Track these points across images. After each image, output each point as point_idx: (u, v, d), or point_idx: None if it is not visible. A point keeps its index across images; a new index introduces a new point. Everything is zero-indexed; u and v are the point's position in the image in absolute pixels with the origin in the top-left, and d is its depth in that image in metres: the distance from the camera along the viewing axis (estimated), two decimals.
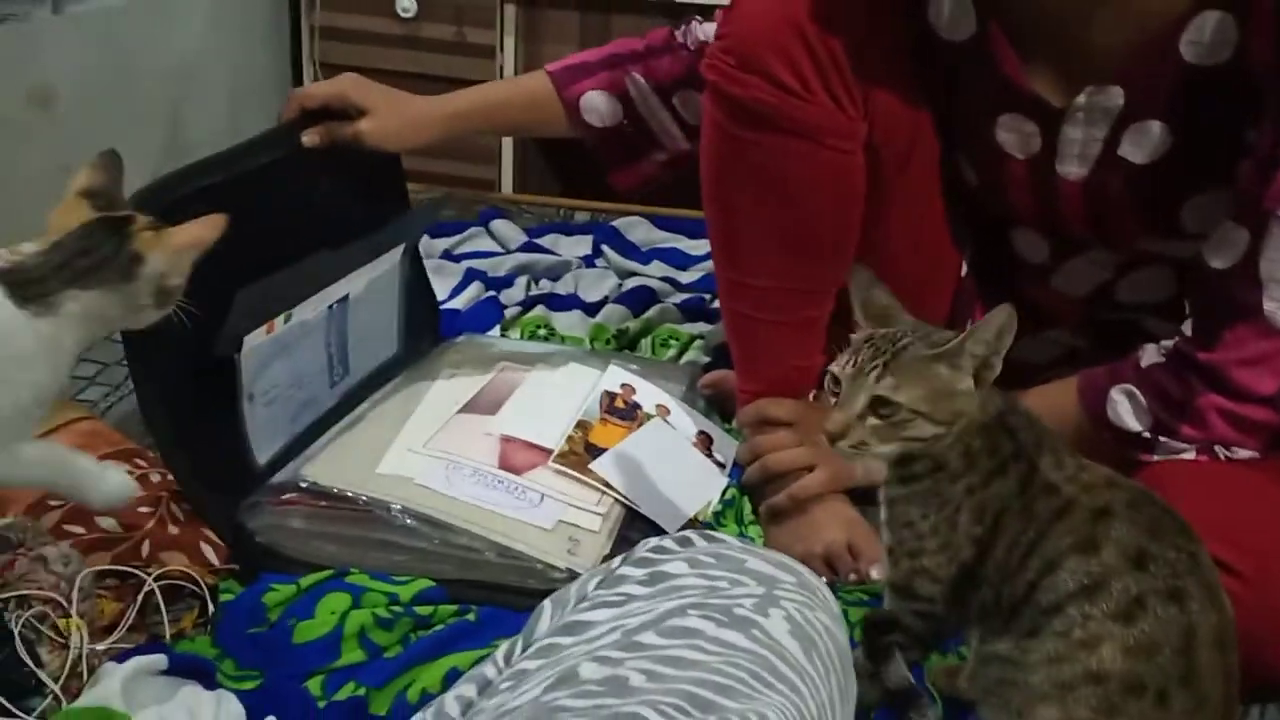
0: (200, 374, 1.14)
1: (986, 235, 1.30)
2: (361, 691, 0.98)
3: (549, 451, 1.21)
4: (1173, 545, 0.84)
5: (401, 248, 1.43)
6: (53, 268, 0.92)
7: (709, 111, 1.18)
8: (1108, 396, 1.08)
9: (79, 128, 2.03)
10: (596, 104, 1.36)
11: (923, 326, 0.92)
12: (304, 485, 1.13)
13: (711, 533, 0.84)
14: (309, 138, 1.31)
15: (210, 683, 0.98)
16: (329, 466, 1.16)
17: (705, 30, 1.32)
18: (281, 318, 1.21)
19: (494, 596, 1.10)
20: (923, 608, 0.92)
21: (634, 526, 1.17)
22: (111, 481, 0.99)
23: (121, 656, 0.97)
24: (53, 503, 1.12)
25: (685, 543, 0.81)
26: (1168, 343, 1.06)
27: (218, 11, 2.38)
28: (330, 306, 1.30)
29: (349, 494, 1.11)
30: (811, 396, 1.29)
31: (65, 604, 0.98)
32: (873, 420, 0.87)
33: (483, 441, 1.21)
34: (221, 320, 1.11)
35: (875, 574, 1.18)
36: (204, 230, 0.97)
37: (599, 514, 1.16)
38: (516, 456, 1.20)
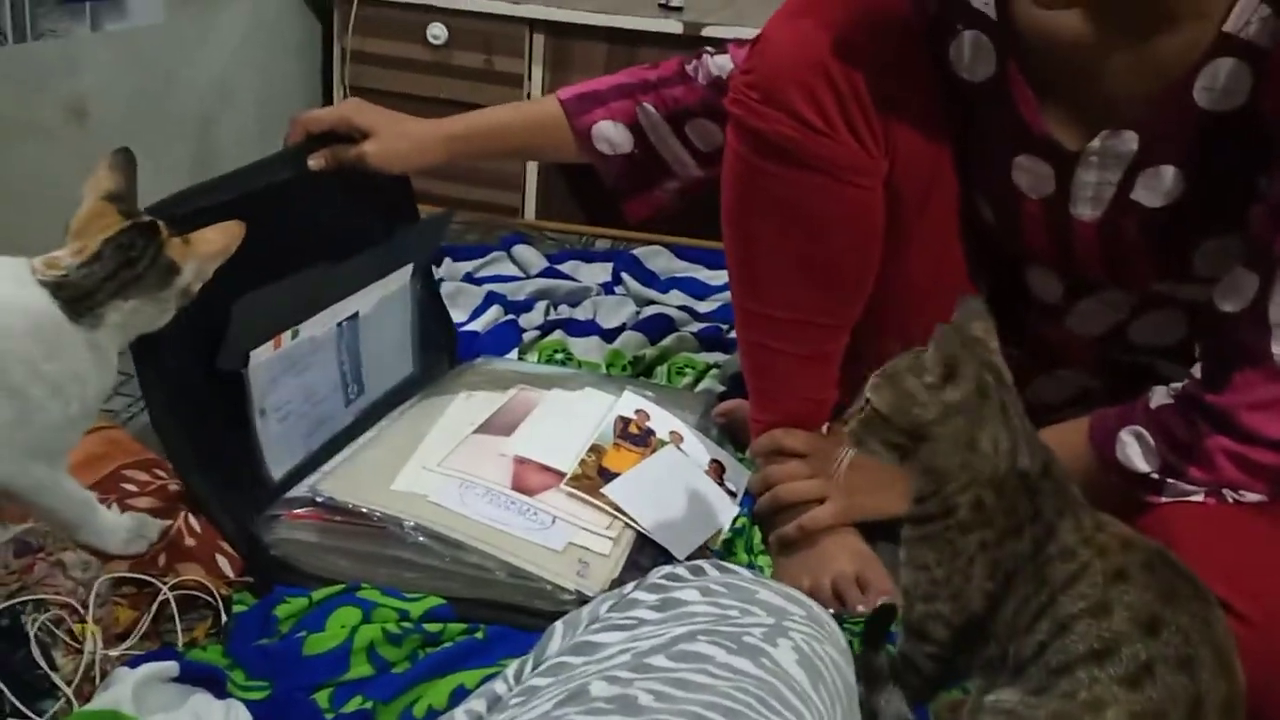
0: (211, 389, 1.16)
1: (1002, 274, 1.30)
2: (369, 705, 0.99)
3: (562, 474, 1.22)
4: (1186, 611, 0.84)
5: (411, 267, 1.45)
6: (100, 281, 0.97)
7: (731, 143, 1.20)
8: (1117, 438, 1.08)
9: (112, 141, 2.06)
10: (608, 133, 1.38)
11: (998, 370, 0.90)
12: (319, 499, 1.14)
13: (724, 563, 0.85)
14: (315, 161, 1.34)
15: (220, 691, 0.99)
16: (344, 481, 1.17)
17: (717, 63, 1.34)
18: (289, 334, 1.23)
19: (502, 616, 1.11)
20: (935, 651, 0.92)
21: (644, 552, 1.18)
22: (130, 536, 1.06)
23: (134, 662, 0.99)
24: None
25: (698, 571, 0.82)
26: (1177, 385, 1.06)
27: (252, 33, 2.42)
28: (340, 324, 1.32)
29: (363, 509, 1.12)
30: (825, 429, 1.29)
31: (81, 609, 1.00)
32: (864, 414, 0.90)
33: (497, 462, 1.23)
34: (232, 339, 1.14)
35: None
36: (226, 238, 1.02)
37: (609, 538, 1.17)
38: (530, 478, 1.21)
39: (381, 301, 1.40)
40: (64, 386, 0.97)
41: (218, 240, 1.02)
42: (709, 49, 1.37)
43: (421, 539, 1.11)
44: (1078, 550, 0.87)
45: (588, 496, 1.20)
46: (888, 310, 1.24)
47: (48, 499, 1.01)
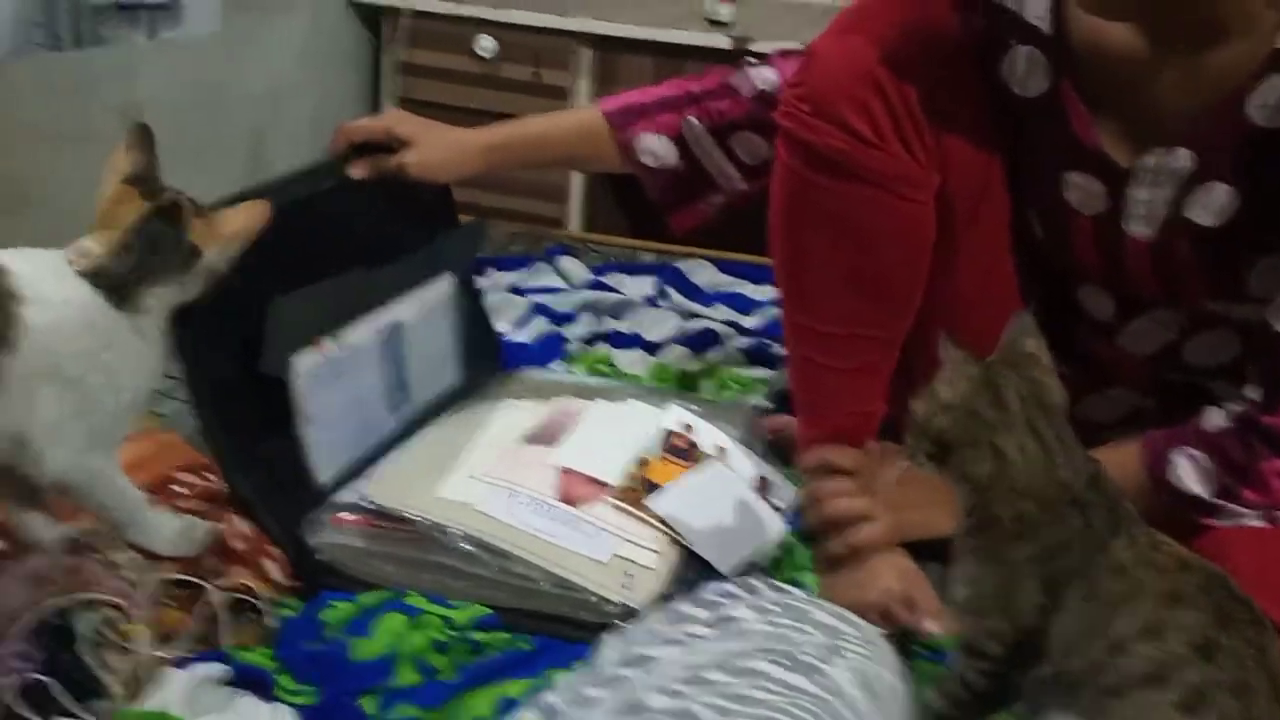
0: (257, 394, 1.17)
1: (1052, 290, 1.29)
2: (415, 713, 0.99)
3: (608, 486, 1.22)
4: (1242, 637, 0.83)
5: (452, 276, 1.45)
6: (131, 269, 0.99)
7: (781, 156, 1.20)
8: (1168, 459, 1.07)
9: (166, 148, 2.08)
10: (652, 145, 1.38)
11: (1036, 385, 0.90)
12: (366, 505, 1.15)
13: (777, 582, 0.85)
14: (356, 170, 1.35)
15: (267, 695, 0.99)
16: (391, 487, 1.18)
17: (761, 75, 1.33)
18: (331, 339, 1.24)
19: (547, 626, 1.10)
20: (988, 667, 0.91)
21: (690, 566, 1.17)
22: (179, 537, 1.07)
23: (183, 663, 0.99)
24: None
25: (751, 589, 0.81)
26: (1231, 406, 1.05)
27: (305, 44, 2.45)
28: (382, 331, 1.32)
29: (410, 515, 1.13)
30: (873, 446, 1.28)
31: (132, 610, 1.00)
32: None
33: (543, 472, 1.23)
34: (271, 342, 1.15)
35: (930, 627, 1.16)
36: (250, 218, 1.04)
37: (655, 551, 1.16)
38: (575, 489, 1.21)
39: (424, 310, 1.40)
40: (119, 374, 0.99)
41: (239, 219, 1.04)
42: (751, 60, 1.37)
43: (467, 547, 1.11)
44: (1132, 568, 0.86)
45: (633, 509, 1.20)
46: (937, 324, 1.22)
47: (102, 494, 1.03)
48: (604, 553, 1.13)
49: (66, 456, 0.98)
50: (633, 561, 1.14)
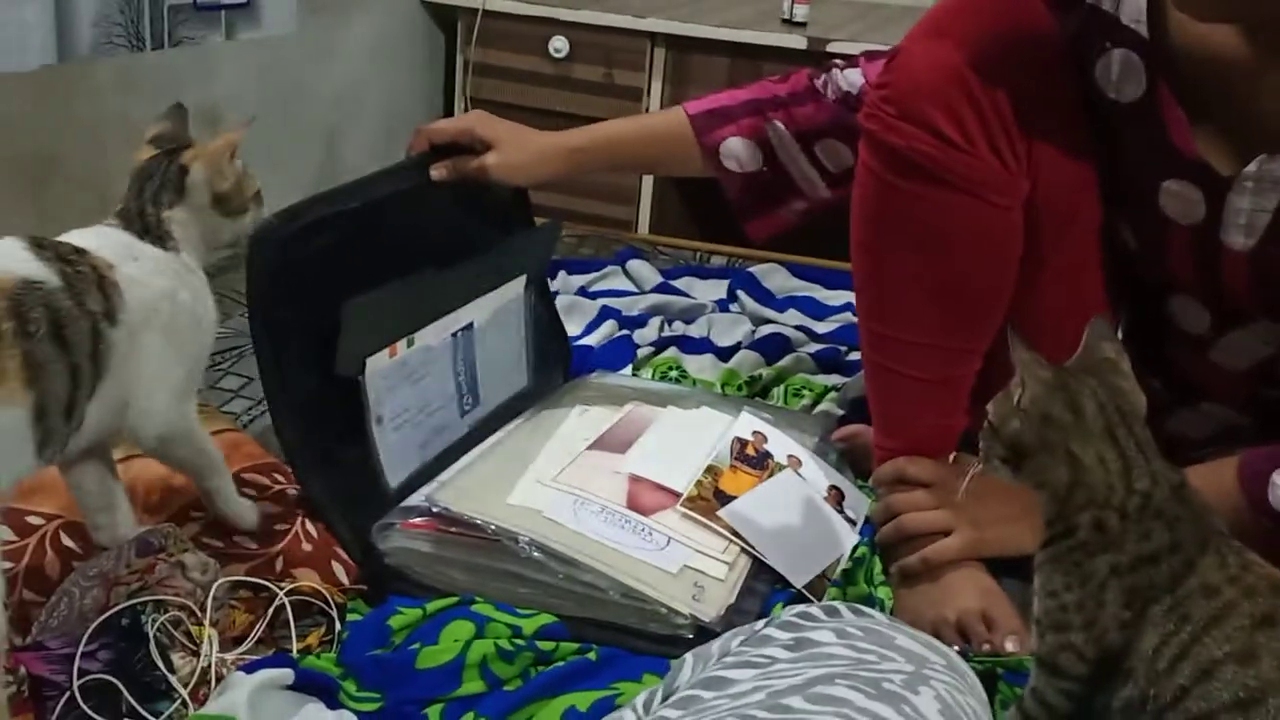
0: (331, 395, 1.16)
1: (1143, 302, 1.25)
2: None
3: (677, 495, 1.19)
4: None
5: (524, 279, 1.44)
6: (135, 199, 1.05)
7: (864, 160, 1.16)
8: (1270, 480, 1.02)
9: (241, 147, 2.11)
10: (737, 150, 1.35)
11: (1115, 391, 0.87)
12: (435, 510, 1.13)
13: (859, 605, 0.82)
14: (437, 172, 1.34)
15: (332, 701, 0.98)
16: (460, 492, 1.17)
17: (847, 78, 1.30)
18: (404, 342, 1.23)
19: (614, 637, 1.08)
20: (1069, 686, 0.88)
21: (760, 578, 1.15)
22: (244, 506, 1.14)
23: (249, 667, 0.98)
24: (195, 514, 1.15)
25: (833, 612, 0.79)
26: None
27: (378, 44, 2.46)
28: (454, 334, 1.31)
29: (479, 521, 1.11)
30: (951, 458, 1.25)
31: (199, 612, 1.00)
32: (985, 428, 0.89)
33: (611, 480, 1.21)
34: (345, 344, 1.15)
35: (1010, 646, 1.13)
36: (229, 136, 1.08)
37: (725, 562, 1.14)
38: (644, 497, 1.19)
39: (496, 313, 1.39)
40: (196, 312, 1.05)
41: (224, 138, 1.08)
42: (838, 62, 1.34)
43: (536, 554, 1.10)
44: (1222, 588, 0.83)
45: (703, 519, 1.17)
46: (1020, 335, 1.19)
47: (196, 440, 1.08)
48: (674, 563, 1.11)
49: (167, 405, 1.02)
50: (703, 573, 1.12)
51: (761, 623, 0.80)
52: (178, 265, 1.05)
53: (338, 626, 1.07)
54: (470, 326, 1.34)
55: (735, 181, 1.37)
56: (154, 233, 1.05)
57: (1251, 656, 0.79)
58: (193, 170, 1.07)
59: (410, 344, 1.24)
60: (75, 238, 0.99)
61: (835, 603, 0.81)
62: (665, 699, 0.75)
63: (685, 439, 1.30)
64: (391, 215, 1.26)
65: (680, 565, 1.12)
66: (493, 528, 1.11)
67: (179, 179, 1.06)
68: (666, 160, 1.42)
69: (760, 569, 1.16)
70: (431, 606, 1.08)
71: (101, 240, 1.00)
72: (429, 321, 1.27)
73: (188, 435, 1.07)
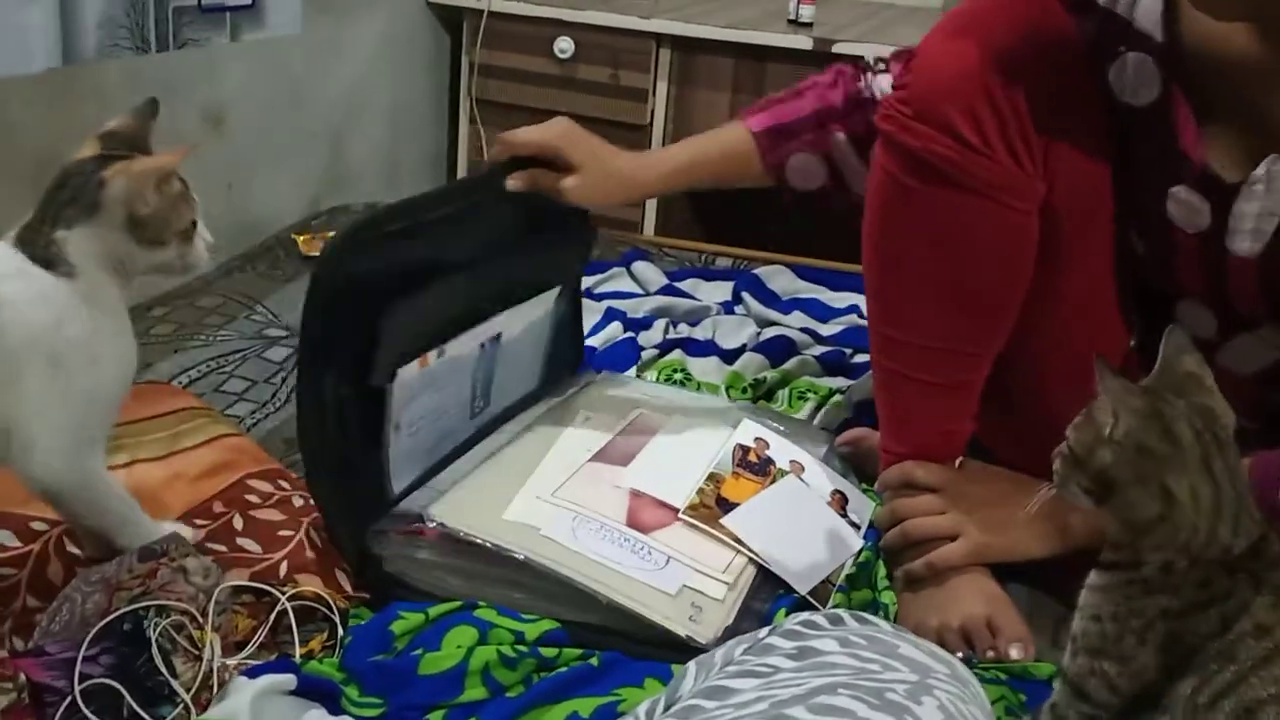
0: (360, 406, 1.15)
1: (1151, 306, 1.24)
2: None
3: (676, 510, 1.18)
4: None
5: (558, 290, 1.43)
6: (41, 209, 0.94)
7: (880, 161, 1.15)
8: None
9: (247, 148, 2.11)
10: (803, 165, 1.34)
11: (1207, 413, 0.84)
12: (430, 524, 1.12)
13: (863, 614, 0.82)
14: (514, 183, 1.30)
15: (334, 707, 0.98)
16: (457, 507, 1.15)
17: (880, 84, 1.29)
18: (435, 352, 1.22)
19: (616, 642, 1.08)
20: (1093, 712, 0.86)
21: (758, 596, 1.14)
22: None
23: (252, 672, 0.98)
24: (199, 521, 1.15)
25: (836, 621, 0.78)
26: None
27: (383, 45, 2.46)
28: (483, 344, 1.31)
29: (476, 539, 1.10)
30: (958, 463, 1.24)
31: (201, 616, 1.00)
32: (1063, 453, 0.85)
33: (611, 495, 1.19)
34: (379, 355, 1.13)
35: (1015, 653, 1.13)
36: (167, 156, 0.96)
37: (725, 582, 1.12)
38: (644, 514, 1.17)
39: (526, 322, 1.38)
40: (93, 349, 0.94)
41: (155, 159, 0.97)
42: (870, 63, 1.32)
43: (528, 576, 1.09)
44: (1274, 629, 0.80)
45: (706, 526, 1.17)
46: (1033, 341, 1.19)
47: (94, 495, 1.00)
48: (672, 583, 1.10)
49: (56, 450, 0.94)
50: (701, 593, 1.10)
51: (765, 631, 0.80)
52: (69, 294, 0.93)
53: (340, 632, 1.07)
54: (498, 337, 1.33)
55: (799, 199, 1.36)
56: (43, 255, 0.93)
57: None
58: (111, 185, 0.94)
59: (441, 354, 1.23)
60: None
61: (839, 610, 0.81)
62: (667, 708, 0.74)
63: (687, 449, 1.29)
64: (452, 231, 1.24)
65: (679, 585, 1.10)
66: (489, 544, 1.10)
67: (94, 193, 0.94)
68: (736, 178, 1.39)
69: (761, 587, 1.15)
70: (434, 612, 1.08)
71: None
72: (461, 331, 1.25)
73: (83, 488, 0.98)
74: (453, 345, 1.24)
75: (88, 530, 1.04)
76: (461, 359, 1.27)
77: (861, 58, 1.34)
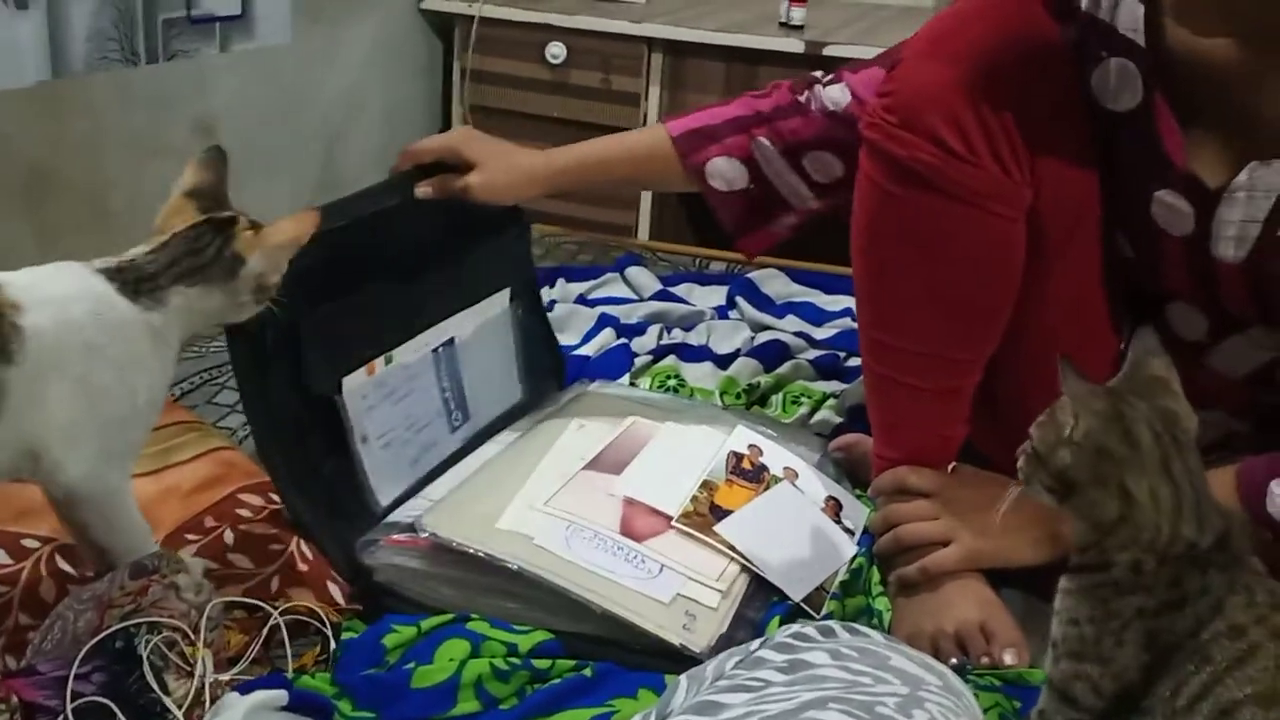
0: (313, 415, 1.16)
1: (1140, 309, 1.24)
2: None
3: (670, 518, 1.18)
4: None
5: (509, 291, 1.43)
6: (162, 266, 0.98)
7: (865, 169, 1.15)
8: (1268, 490, 1.01)
9: (239, 158, 2.10)
10: (722, 169, 1.34)
11: (1168, 415, 0.84)
12: (424, 535, 1.12)
13: (855, 624, 0.82)
14: (422, 190, 1.33)
15: None
16: (449, 517, 1.15)
17: (830, 96, 1.29)
18: (382, 360, 1.22)
19: (609, 652, 1.08)
20: (1079, 717, 0.86)
21: (752, 605, 1.13)
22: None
23: (244, 688, 0.98)
24: (190, 536, 1.15)
25: (828, 632, 0.78)
26: None
27: (374, 53, 2.46)
28: (435, 350, 1.31)
29: (469, 549, 1.10)
30: (950, 468, 1.24)
31: (193, 633, 0.99)
32: (1027, 450, 0.87)
33: (605, 503, 1.19)
34: (321, 362, 1.14)
35: (1009, 659, 1.12)
36: (298, 228, 1.02)
37: (719, 590, 1.12)
38: (638, 522, 1.17)
39: (480, 327, 1.38)
40: (127, 372, 0.96)
41: (288, 230, 1.02)
42: (817, 75, 1.33)
43: (521, 586, 1.09)
44: (1249, 629, 0.80)
45: (700, 534, 1.16)
46: (1023, 346, 1.19)
47: (114, 512, 1.00)
48: (666, 592, 1.10)
49: (80, 465, 0.96)
50: (696, 601, 1.10)
51: (756, 643, 0.80)
52: (131, 319, 0.97)
53: (333, 645, 1.06)
54: (452, 342, 1.33)
55: (723, 201, 1.36)
56: (139, 292, 0.97)
57: (1274, 699, 0.77)
58: (250, 262, 0.99)
59: (389, 361, 1.24)
60: (25, 272, 0.95)
61: (831, 622, 0.80)
62: None
63: (680, 457, 1.28)
64: (374, 231, 1.25)
65: (673, 594, 1.10)
66: (482, 554, 1.10)
67: (230, 267, 0.99)
68: (652, 180, 1.42)
69: (755, 594, 1.14)
70: (426, 624, 1.08)
71: (45, 281, 0.95)
72: (407, 338, 1.26)
73: (103, 503, 0.99)
74: (400, 352, 1.25)
75: (93, 545, 1.04)
76: (415, 366, 1.28)
77: (851, 61, 1.35)
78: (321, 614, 1.07)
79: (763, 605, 1.14)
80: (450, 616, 1.09)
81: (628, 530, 1.16)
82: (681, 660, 1.02)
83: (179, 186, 1.03)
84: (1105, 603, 0.84)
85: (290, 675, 1.03)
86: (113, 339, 0.96)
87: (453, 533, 1.11)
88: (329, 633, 1.07)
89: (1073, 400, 0.83)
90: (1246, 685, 0.78)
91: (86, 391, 0.95)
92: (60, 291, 0.95)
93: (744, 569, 1.15)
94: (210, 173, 1.04)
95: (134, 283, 0.97)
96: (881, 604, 1.21)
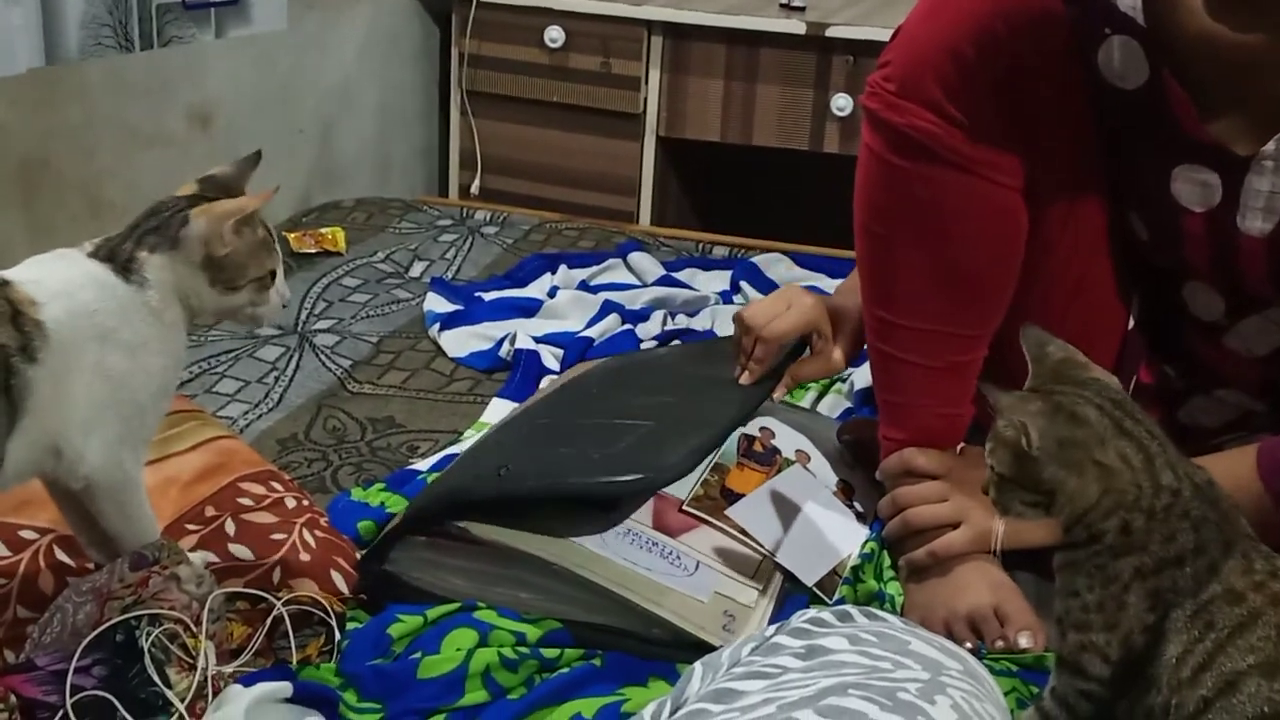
0: None
1: (1155, 289, 1.22)
2: None
3: (681, 501, 1.15)
4: None
5: None
6: (127, 233, 0.99)
7: (866, 140, 1.14)
8: None
9: (235, 145, 2.09)
10: None
11: (1097, 385, 0.86)
12: (454, 532, 1.10)
13: (872, 609, 0.80)
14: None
15: (332, 713, 0.96)
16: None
17: None
18: None
19: (619, 642, 1.06)
20: (1090, 688, 0.85)
21: (791, 600, 1.11)
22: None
23: (247, 680, 0.97)
24: (190, 527, 1.13)
25: (845, 617, 0.76)
26: None
27: (370, 38, 2.43)
28: None
29: (503, 544, 1.07)
30: (959, 449, 1.22)
31: (195, 624, 0.98)
32: (993, 480, 0.87)
33: None
34: None
35: (1024, 642, 1.11)
36: (245, 201, 1.00)
37: (756, 588, 1.10)
38: (670, 515, 1.14)
39: None
40: (139, 355, 0.96)
41: (236, 201, 1.00)
42: None
43: (554, 583, 1.07)
44: (1247, 594, 0.80)
45: (710, 518, 1.14)
46: (1027, 322, 1.17)
47: (129, 500, 0.99)
48: (704, 590, 1.08)
49: (99, 453, 0.95)
50: (733, 599, 1.08)
51: (772, 628, 0.78)
52: (137, 304, 0.96)
53: (337, 636, 1.05)
54: None
55: None
56: (126, 269, 0.97)
57: (1278, 670, 0.77)
58: (192, 223, 0.97)
59: None
60: (29, 265, 0.95)
61: (848, 607, 0.79)
62: (674, 711, 0.72)
63: None
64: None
65: (711, 592, 1.08)
66: (516, 549, 1.07)
67: (177, 227, 0.98)
68: None
69: (789, 593, 1.12)
70: (433, 614, 1.06)
71: (51, 271, 0.95)
72: None
73: (118, 490, 0.98)
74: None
75: (97, 537, 1.03)
76: None
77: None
78: (325, 604, 1.05)
79: (795, 607, 1.11)
80: (457, 605, 1.07)
81: (660, 524, 1.13)
82: (695, 651, 1.00)
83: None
84: (1102, 569, 0.84)
85: (294, 667, 1.01)
86: (121, 322, 0.96)
87: (483, 531, 1.08)
88: (333, 623, 1.05)
89: (1009, 413, 0.85)
90: (1249, 655, 0.78)
91: (104, 378, 0.94)
92: (67, 281, 0.95)
93: (777, 566, 1.13)
94: (233, 168, 1.04)
95: (115, 260, 0.97)
96: (893, 588, 1.19)
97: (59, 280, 0.94)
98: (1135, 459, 0.83)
